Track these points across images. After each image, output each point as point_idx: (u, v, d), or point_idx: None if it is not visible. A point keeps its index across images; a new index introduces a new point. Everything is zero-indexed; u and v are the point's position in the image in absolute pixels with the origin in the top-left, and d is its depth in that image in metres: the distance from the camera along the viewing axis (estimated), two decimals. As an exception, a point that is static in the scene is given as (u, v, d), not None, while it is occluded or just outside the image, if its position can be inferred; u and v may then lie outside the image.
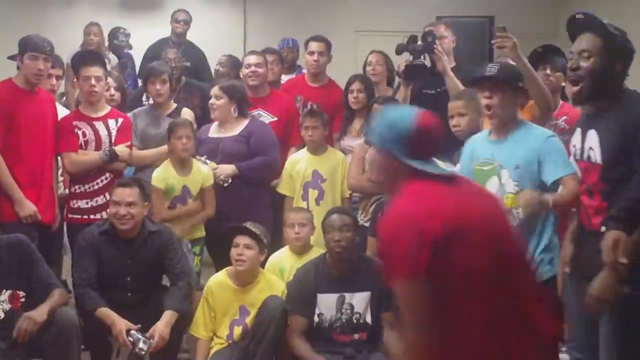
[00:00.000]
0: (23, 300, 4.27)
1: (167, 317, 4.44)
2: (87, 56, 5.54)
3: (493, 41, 4.66)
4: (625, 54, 3.28)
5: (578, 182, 3.45)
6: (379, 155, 2.70)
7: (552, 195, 3.56)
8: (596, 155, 3.24)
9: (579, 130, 3.40)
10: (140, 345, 4.29)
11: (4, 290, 4.26)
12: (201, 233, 5.28)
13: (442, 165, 2.72)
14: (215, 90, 5.38)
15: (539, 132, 3.78)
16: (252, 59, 5.88)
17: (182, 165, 5.18)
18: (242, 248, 4.59)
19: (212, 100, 5.38)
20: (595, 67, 3.23)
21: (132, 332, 4.33)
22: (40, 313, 4.15)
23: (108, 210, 4.73)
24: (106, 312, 4.42)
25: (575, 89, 3.30)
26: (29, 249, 4.41)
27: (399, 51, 5.36)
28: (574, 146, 3.42)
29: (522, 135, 3.75)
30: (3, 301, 4.24)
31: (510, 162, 3.70)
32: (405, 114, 2.68)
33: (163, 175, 5.17)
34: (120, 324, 4.34)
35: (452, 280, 2.41)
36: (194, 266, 5.14)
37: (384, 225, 2.51)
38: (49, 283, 4.37)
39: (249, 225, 4.66)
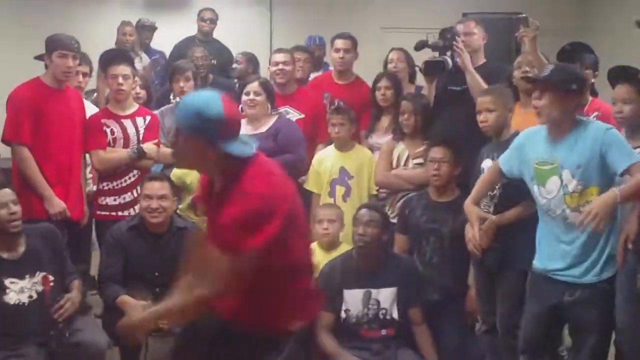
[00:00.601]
0: (52, 284, 4.36)
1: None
2: (115, 55, 5.58)
3: (518, 32, 4.70)
4: None
5: None
6: (188, 143, 2.87)
7: (617, 189, 3.54)
8: None
9: None
10: None
11: (38, 272, 4.34)
12: None
13: (247, 142, 2.95)
14: (255, 87, 5.37)
15: (597, 126, 3.76)
16: (280, 57, 5.89)
17: None
18: None
19: (251, 96, 5.36)
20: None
21: None
22: (76, 299, 4.40)
23: (139, 205, 4.76)
24: (125, 299, 4.46)
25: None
26: (59, 237, 4.56)
27: (418, 47, 5.35)
28: None
29: (580, 133, 3.73)
30: (36, 282, 4.32)
31: (571, 162, 3.70)
32: (210, 100, 2.87)
33: (181, 172, 5.21)
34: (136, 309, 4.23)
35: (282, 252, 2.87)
36: None
37: (239, 203, 2.77)
38: (70, 272, 4.52)
39: None
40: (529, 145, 3.92)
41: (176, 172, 5.21)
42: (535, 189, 3.88)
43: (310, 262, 3.21)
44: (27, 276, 4.30)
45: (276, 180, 2.93)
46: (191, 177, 5.19)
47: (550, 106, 3.75)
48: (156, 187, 4.65)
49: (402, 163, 5.16)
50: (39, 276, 4.33)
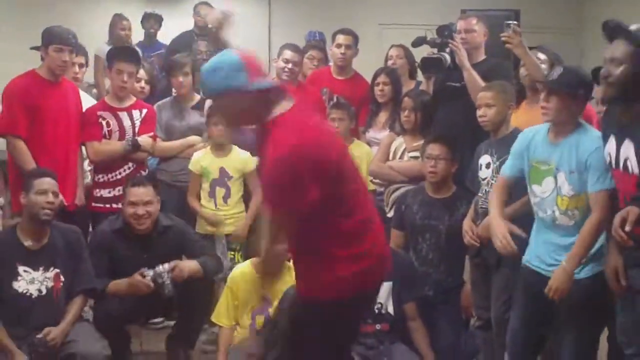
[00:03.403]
0: (62, 284, 4.32)
1: (192, 263, 4.51)
2: (125, 52, 5.52)
3: (502, 34, 4.65)
4: None
5: (607, 200, 3.51)
6: (225, 101, 2.99)
7: (564, 262, 3.60)
8: (633, 166, 3.27)
9: (612, 138, 3.41)
10: (165, 279, 4.37)
11: (52, 268, 4.31)
12: None
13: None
14: None
15: (592, 138, 3.68)
16: (290, 55, 5.80)
17: (220, 148, 5.24)
18: None
19: None
20: (624, 74, 3.28)
21: (144, 271, 4.39)
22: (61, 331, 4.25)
23: (124, 210, 4.63)
24: (116, 282, 4.46)
25: (603, 89, 3.39)
26: (81, 243, 4.50)
27: (416, 44, 5.35)
28: (609, 154, 3.43)
29: (577, 139, 3.69)
30: (49, 278, 4.29)
31: (566, 166, 3.68)
32: (223, 53, 3.05)
33: (197, 159, 5.25)
34: (133, 276, 4.40)
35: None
36: (236, 261, 5.16)
37: (276, 161, 2.87)
38: (81, 283, 4.41)
39: None
40: (532, 143, 3.90)
41: (194, 159, 5.26)
42: (530, 187, 3.88)
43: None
44: (41, 268, 4.27)
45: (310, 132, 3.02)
46: (207, 160, 5.22)
47: (557, 110, 3.72)
48: (141, 193, 4.54)
49: (398, 156, 5.15)
50: (52, 272, 4.30)
